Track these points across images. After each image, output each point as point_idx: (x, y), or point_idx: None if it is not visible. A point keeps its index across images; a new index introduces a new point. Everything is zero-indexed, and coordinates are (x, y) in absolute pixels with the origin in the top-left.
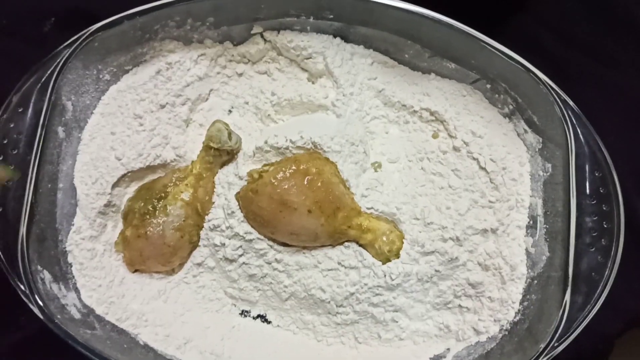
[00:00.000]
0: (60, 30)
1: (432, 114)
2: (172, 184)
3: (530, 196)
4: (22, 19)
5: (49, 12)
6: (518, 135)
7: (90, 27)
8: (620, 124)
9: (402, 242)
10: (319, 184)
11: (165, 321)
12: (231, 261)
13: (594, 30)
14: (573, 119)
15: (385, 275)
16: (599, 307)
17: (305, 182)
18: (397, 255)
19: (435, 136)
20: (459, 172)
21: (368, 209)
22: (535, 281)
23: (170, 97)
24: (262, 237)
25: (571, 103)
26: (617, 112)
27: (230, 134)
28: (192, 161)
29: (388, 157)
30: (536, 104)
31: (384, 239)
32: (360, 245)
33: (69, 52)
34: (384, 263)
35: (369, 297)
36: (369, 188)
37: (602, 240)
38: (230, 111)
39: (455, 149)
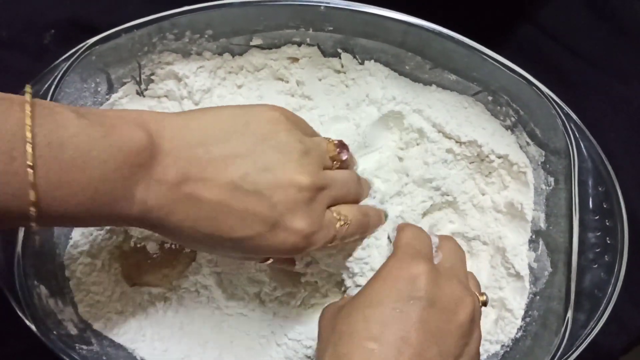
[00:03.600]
0: (59, 43)
1: (433, 126)
2: None
3: (533, 210)
4: (21, 31)
5: (49, 24)
6: (520, 147)
7: (87, 41)
8: (624, 138)
9: None
10: None
11: (164, 336)
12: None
13: (598, 42)
14: (576, 132)
15: None
16: (602, 323)
17: None
18: None
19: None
20: None
21: None
22: (538, 297)
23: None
24: None
25: (574, 116)
26: (622, 126)
27: None
28: None
29: None
30: (538, 117)
31: None
32: None
33: (66, 66)
34: None
35: None
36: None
37: (606, 256)
38: None
39: None
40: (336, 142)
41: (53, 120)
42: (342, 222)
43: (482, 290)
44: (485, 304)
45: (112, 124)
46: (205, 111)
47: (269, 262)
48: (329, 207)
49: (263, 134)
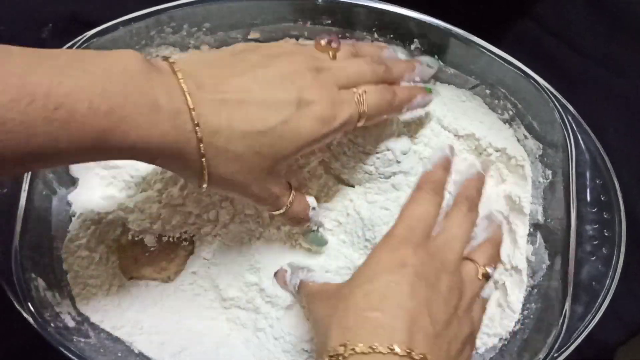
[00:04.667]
0: (57, 37)
1: (431, 119)
2: None
3: (531, 203)
4: (19, 25)
5: (47, 18)
6: (518, 141)
7: (85, 34)
8: (622, 131)
9: None
10: None
11: (161, 329)
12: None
13: (596, 36)
14: (573, 124)
15: None
16: (600, 316)
17: None
18: None
19: None
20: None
21: None
22: (535, 290)
23: None
24: None
25: (571, 109)
26: (619, 119)
27: None
28: None
29: None
30: (536, 110)
31: None
32: None
33: None
34: None
35: None
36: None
37: (603, 248)
38: None
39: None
40: (321, 37)
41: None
42: (360, 94)
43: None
44: (487, 276)
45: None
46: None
47: (282, 210)
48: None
49: (243, 51)
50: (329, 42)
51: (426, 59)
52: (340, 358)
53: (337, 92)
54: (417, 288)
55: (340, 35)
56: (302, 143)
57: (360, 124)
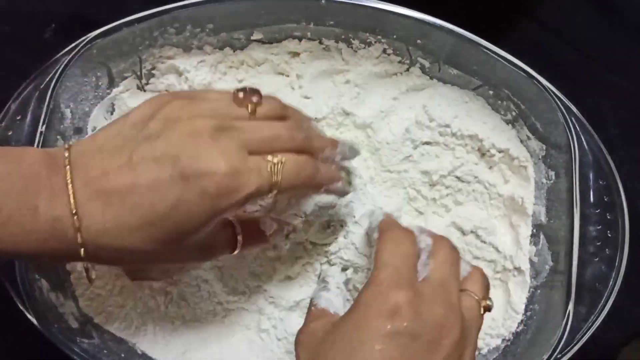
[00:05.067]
0: (60, 37)
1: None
2: None
3: (534, 204)
4: (23, 25)
5: (50, 19)
6: (521, 142)
7: (88, 35)
8: (625, 131)
9: None
10: None
11: (165, 330)
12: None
13: (599, 36)
14: (577, 125)
15: None
16: (603, 317)
17: None
18: None
19: None
20: None
21: None
22: (539, 291)
23: None
24: None
25: (574, 110)
26: (623, 119)
27: None
28: None
29: None
30: (539, 111)
31: None
32: None
33: (67, 60)
34: None
35: None
36: None
37: (607, 249)
38: None
39: None
40: (239, 89)
41: None
42: (274, 163)
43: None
44: (488, 309)
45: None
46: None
47: (237, 251)
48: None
49: (143, 119)
50: (248, 96)
51: (348, 144)
52: None
53: (244, 158)
54: (412, 352)
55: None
56: (199, 222)
57: (269, 196)
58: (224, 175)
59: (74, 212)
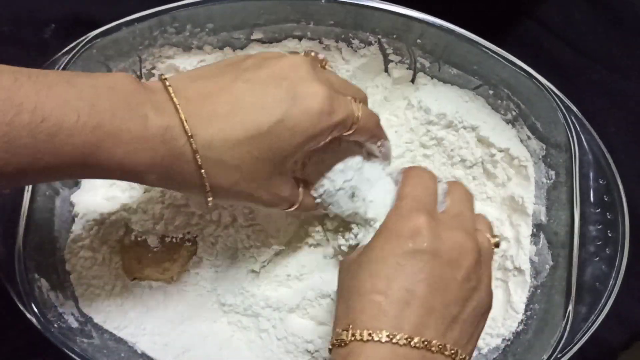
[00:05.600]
0: (60, 37)
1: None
2: None
3: (534, 204)
4: (22, 25)
5: (50, 18)
6: (521, 141)
7: (88, 34)
8: (625, 131)
9: None
10: None
11: (164, 330)
12: None
13: (598, 37)
14: (577, 125)
15: None
16: (603, 317)
17: None
18: None
19: None
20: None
21: None
22: (539, 290)
23: None
24: None
25: (575, 109)
26: (622, 119)
27: None
28: None
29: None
30: (539, 110)
31: None
32: None
33: (67, 59)
34: None
35: None
36: None
37: (607, 249)
38: None
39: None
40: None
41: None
42: (356, 102)
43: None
44: (497, 245)
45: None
46: None
47: (295, 206)
48: None
49: (237, 61)
50: (316, 54)
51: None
52: (343, 344)
53: (334, 90)
54: (432, 268)
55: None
56: (301, 140)
57: (349, 132)
58: (324, 98)
59: (184, 119)
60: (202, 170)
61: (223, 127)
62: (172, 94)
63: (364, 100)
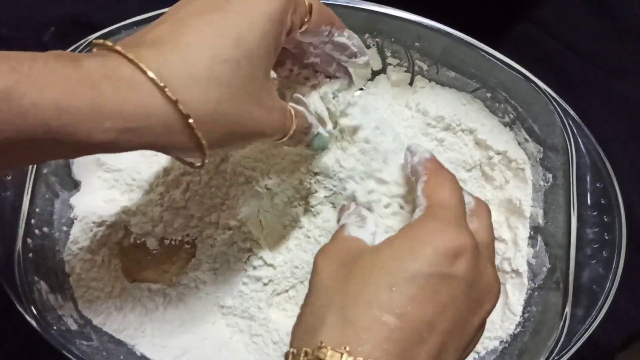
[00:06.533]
0: (60, 40)
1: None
2: None
3: (532, 206)
4: (22, 28)
5: (49, 21)
6: (519, 144)
7: (88, 37)
8: (622, 134)
9: None
10: None
11: (163, 332)
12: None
13: (596, 39)
14: (574, 128)
15: None
16: (600, 319)
17: None
18: None
19: None
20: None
21: None
22: (536, 293)
23: None
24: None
25: (572, 112)
26: (620, 122)
27: None
28: None
29: None
30: (536, 113)
31: None
32: None
33: None
34: None
35: None
36: None
37: (604, 252)
38: None
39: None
40: None
41: None
42: None
43: None
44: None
45: None
46: None
47: (291, 131)
48: None
49: None
50: None
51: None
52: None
53: None
54: (461, 303)
55: None
56: (265, 21)
57: (305, 21)
58: None
59: (145, 70)
60: (177, 100)
61: (176, 41)
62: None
63: None
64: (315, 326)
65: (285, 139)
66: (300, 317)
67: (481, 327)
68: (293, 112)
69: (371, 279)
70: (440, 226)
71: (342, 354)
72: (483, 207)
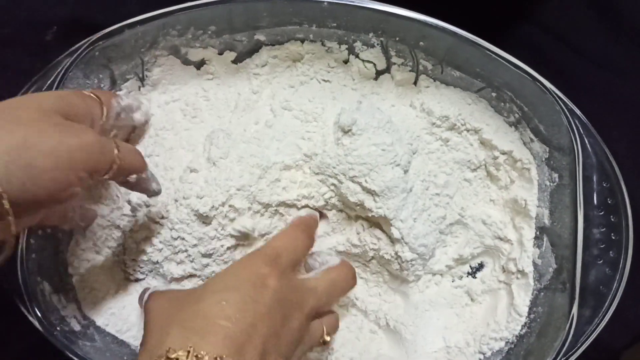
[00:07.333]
0: (62, 40)
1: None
2: None
3: (537, 206)
4: (24, 28)
5: (51, 21)
6: (524, 144)
7: (91, 37)
8: (628, 134)
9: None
10: None
11: None
12: None
13: (602, 39)
14: (580, 128)
15: None
16: (607, 320)
17: None
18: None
19: None
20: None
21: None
22: (542, 293)
23: None
24: None
25: (578, 112)
26: (626, 122)
27: None
28: None
29: None
30: (542, 113)
31: None
32: None
33: (69, 62)
34: None
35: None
36: None
37: (610, 252)
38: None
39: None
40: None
41: None
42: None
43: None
44: (324, 342)
45: None
46: None
47: (116, 166)
48: None
49: None
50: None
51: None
52: None
53: None
54: (274, 314)
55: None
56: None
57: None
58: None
59: None
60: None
61: None
62: None
63: None
64: (161, 341)
65: (111, 172)
66: (142, 345)
67: (301, 328)
68: (120, 149)
69: (205, 298)
70: (253, 259)
71: (188, 351)
72: (342, 268)
